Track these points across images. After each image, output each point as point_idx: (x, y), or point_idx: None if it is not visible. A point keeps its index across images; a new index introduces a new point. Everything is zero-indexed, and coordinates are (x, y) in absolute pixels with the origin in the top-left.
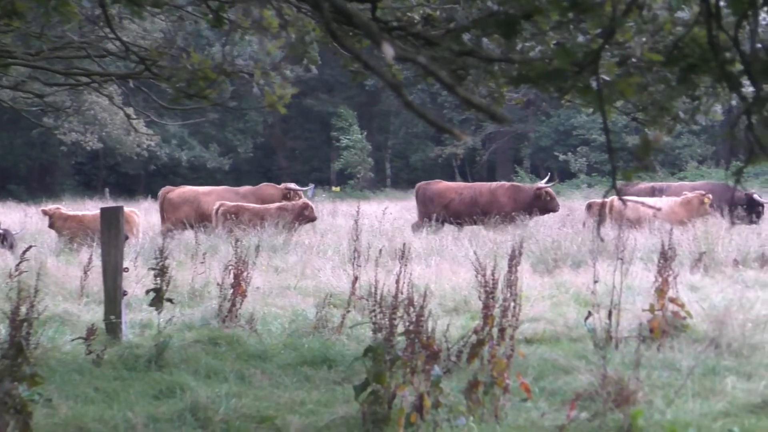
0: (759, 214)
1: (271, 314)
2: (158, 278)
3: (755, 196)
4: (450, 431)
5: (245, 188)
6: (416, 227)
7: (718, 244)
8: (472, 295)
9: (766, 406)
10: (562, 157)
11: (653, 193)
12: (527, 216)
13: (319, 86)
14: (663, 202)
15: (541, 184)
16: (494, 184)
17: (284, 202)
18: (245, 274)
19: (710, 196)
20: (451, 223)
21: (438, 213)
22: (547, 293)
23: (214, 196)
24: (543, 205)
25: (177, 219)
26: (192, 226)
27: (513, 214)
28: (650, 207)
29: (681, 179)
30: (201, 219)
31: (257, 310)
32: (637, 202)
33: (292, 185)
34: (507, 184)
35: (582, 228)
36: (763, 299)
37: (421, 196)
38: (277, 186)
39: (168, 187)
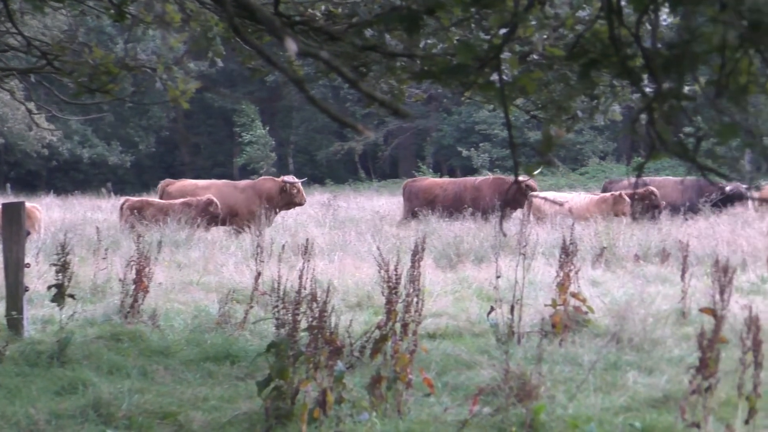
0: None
1: (174, 310)
2: (60, 274)
3: (727, 188)
4: (353, 426)
5: (244, 182)
6: (401, 223)
7: (619, 239)
8: (375, 290)
9: (667, 400)
10: (465, 152)
11: (650, 195)
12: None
13: (221, 81)
14: (579, 199)
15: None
16: (479, 178)
17: (189, 198)
18: (147, 269)
19: (625, 195)
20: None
21: (423, 208)
22: (449, 288)
23: (213, 189)
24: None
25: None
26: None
27: (496, 207)
28: (553, 202)
29: (582, 174)
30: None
31: (160, 305)
32: (546, 199)
33: (290, 178)
34: (491, 177)
35: (485, 223)
36: (663, 294)
37: (407, 192)
38: (276, 179)
39: (167, 180)
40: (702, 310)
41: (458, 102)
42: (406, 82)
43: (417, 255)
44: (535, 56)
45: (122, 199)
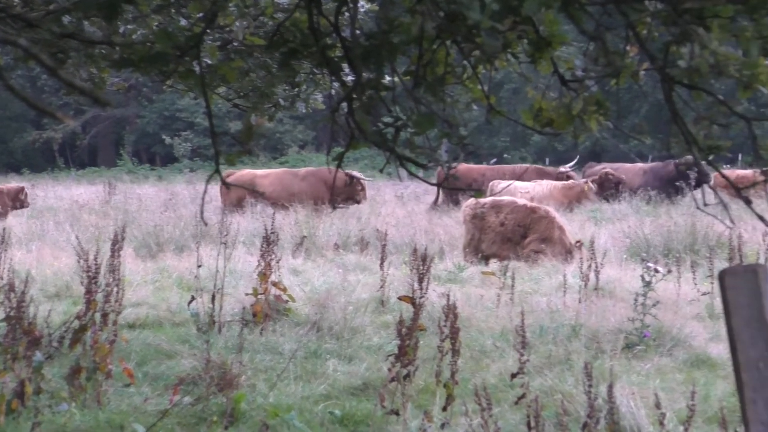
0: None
1: None
2: None
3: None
4: (52, 417)
5: (304, 170)
6: (432, 208)
7: (320, 228)
8: (74, 280)
9: (367, 388)
10: (168, 141)
11: (606, 176)
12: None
13: None
14: (542, 187)
15: (564, 168)
16: (521, 166)
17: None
18: None
19: (591, 183)
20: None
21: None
22: (150, 278)
23: (271, 177)
24: None
25: (231, 200)
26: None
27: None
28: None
29: (282, 164)
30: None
31: None
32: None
33: (356, 173)
34: (533, 167)
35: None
36: (363, 282)
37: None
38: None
39: (228, 171)
40: (401, 299)
41: (159, 90)
42: (105, 71)
43: (116, 244)
44: (235, 44)
45: None
